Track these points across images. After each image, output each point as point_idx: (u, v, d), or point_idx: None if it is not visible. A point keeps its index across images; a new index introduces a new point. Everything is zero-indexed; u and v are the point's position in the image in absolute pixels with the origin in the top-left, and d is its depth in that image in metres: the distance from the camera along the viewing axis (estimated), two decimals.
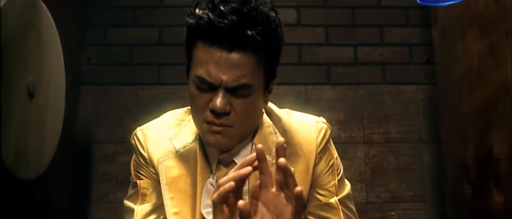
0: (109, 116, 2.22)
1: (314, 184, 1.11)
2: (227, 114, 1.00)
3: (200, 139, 1.09)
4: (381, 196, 2.18)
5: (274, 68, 1.08)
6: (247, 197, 1.00)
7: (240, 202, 0.86)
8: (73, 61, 2.00)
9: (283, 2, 2.30)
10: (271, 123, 1.13)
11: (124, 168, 2.12)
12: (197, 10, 0.99)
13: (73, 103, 2.00)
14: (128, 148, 1.73)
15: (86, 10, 2.25)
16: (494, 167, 1.55)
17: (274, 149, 1.07)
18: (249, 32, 0.96)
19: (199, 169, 1.08)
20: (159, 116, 1.21)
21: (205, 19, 0.96)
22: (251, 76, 0.99)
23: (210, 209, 0.96)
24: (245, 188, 1.00)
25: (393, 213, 2.16)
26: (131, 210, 1.11)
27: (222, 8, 0.96)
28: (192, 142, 1.11)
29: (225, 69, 0.97)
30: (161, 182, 1.09)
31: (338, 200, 1.11)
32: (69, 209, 2.00)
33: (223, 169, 1.08)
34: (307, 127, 1.12)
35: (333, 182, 1.11)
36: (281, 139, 0.91)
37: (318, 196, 1.10)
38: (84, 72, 2.23)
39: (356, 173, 2.19)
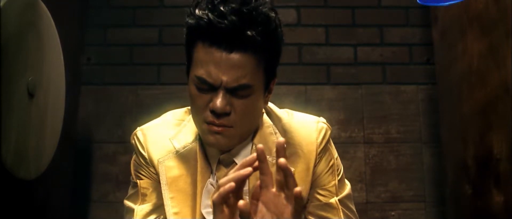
0: (109, 116, 2.22)
1: (314, 184, 1.11)
2: (227, 114, 1.00)
3: (200, 139, 1.09)
4: (381, 196, 2.18)
5: (274, 69, 1.08)
6: (247, 197, 1.00)
7: (241, 202, 0.86)
8: (73, 61, 2.00)
9: (283, 2, 2.30)
10: (271, 123, 1.13)
11: (124, 168, 2.12)
12: (197, 11, 0.99)
13: (73, 103, 2.00)
14: (128, 148, 1.73)
15: (86, 10, 2.25)
16: (494, 167, 1.55)
17: (274, 149, 1.06)
18: (249, 32, 0.96)
19: (199, 169, 1.08)
20: (159, 116, 1.21)
21: (205, 20, 0.96)
22: (251, 76, 0.99)
23: (210, 209, 0.96)
24: (245, 188, 1.00)
25: (393, 213, 2.16)
26: (131, 210, 1.11)
27: (222, 8, 0.96)
28: (192, 142, 1.11)
29: (225, 70, 0.97)
30: (161, 182, 1.09)
31: (338, 200, 1.11)
32: (69, 209, 2.00)
33: (223, 169, 1.08)
34: (307, 127, 1.12)
35: (333, 182, 1.11)
36: (281, 139, 0.91)
37: (318, 196, 1.10)
38: (84, 72, 2.23)
39: (356, 173, 2.19)
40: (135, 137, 1.15)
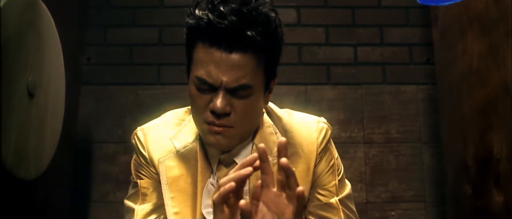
0: (109, 116, 2.22)
1: (314, 184, 1.11)
2: (227, 114, 1.00)
3: (201, 139, 1.09)
4: (381, 196, 2.18)
5: (274, 68, 1.08)
6: (247, 197, 1.00)
7: (242, 202, 0.86)
8: (73, 61, 2.00)
9: (283, 2, 2.30)
10: (272, 123, 1.13)
11: (124, 168, 2.12)
12: (197, 11, 0.98)
13: (73, 103, 2.00)
14: (128, 148, 1.73)
15: (86, 10, 2.25)
16: (494, 167, 1.55)
17: (274, 149, 1.07)
18: (249, 32, 0.96)
19: (199, 169, 1.08)
20: (159, 115, 1.21)
21: (205, 20, 0.96)
22: (251, 76, 0.99)
23: (211, 209, 0.96)
24: (246, 188, 1.00)
25: (393, 213, 2.16)
26: (132, 210, 1.11)
27: (222, 8, 0.96)
28: (193, 141, 1.11)
29: (225, 70, 0.97)
30: (161, 181, 1.09)
31: (339, 200, 1.11)
32: (69, 209, 2.00)
33: (223, 169, 1.08)
34: (308, 127, 1.12)
35: (333, 182, 1.12)
36: (283, 138, 0.91)
37: (319, 196, 1.11)
38: (84, 72, 2.23)
39: (356, 173, 2.19)
40: (135, 137, 1.15)
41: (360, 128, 2.23)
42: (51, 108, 1.56)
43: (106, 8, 2.30)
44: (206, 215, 1.05)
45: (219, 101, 0.98)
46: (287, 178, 0.88)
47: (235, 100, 1.00)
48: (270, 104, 1.17)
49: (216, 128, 1.01)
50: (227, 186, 0.87)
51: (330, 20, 2.32)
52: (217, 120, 1.00)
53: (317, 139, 1.11)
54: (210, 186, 1.08)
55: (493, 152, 1.56)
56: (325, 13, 2.32)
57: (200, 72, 0.99)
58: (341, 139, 2.20)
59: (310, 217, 1.10)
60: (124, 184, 2.08)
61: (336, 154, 1.15)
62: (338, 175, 1.13)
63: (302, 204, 0.88)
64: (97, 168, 2.18)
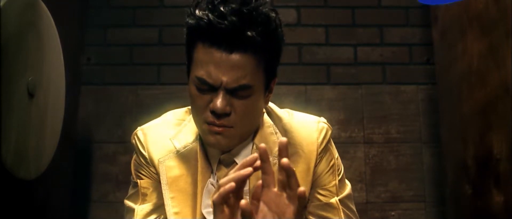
0: (109, 116, 2.22)
1: (314, 184, 1.11)
2: (227, 114, 1.00)
3: (201, 139, 1.09)
4: (381, 196, 2.18)
5: (275, 68, 1.08)
6: (247, 197, 1.00)
7: (242, 202, 0.86)
8: (73, 61, 2.00)
9: (283, 2, 2.30)
10: (272, 123, 1.13)
11: (124, 168, 2.12)
12: (197, 11, 0.98)
13: (73, 104, 2.00)
14: (128, 148, 1.73)
15: (86, 10, 2.25)
16: (494, 167, 1.55)
17: (275, 149, 1.07)
18: (249, 33, 0.96)
19: (199, 169, 1.08)
20: (159, 115, 1.21)
21: (205, 20, 0.96)
22: (251, 77, 0.99)
23: (211, 209, 0.96)
24: (246, 188, 1.00)
25: (393, 213, 2.16)
26: (132, 210, 1.11)
27: (222, 9, 0.96)
28: (193, 141, 1.11)
29: (225, 70, 0.97)
30: (161, 181, 1.09)
31: (339, 200, 1.11)
32: (69, 209, 2.00)
33: (223, 169, 1.08)
34: (308, 127, 1.12)
35: (333, 182, 1.12)
36: (284, 138, 0.91)
37: (319, 196, 1.11)
38: (84, 72, 2.23)
39: (356, 173, 2.19)
40: (135, 137, 1.15)
41: (360, 128, 2.23)
42: (51, 108, 1.56)
43: (106, 8, 2.30)
44: (206, 215, 1.05)
45: (219, 102, 0.98)
46: (288, 178, 0.88)
47: (235, 101, 1.00)
48: (270, 104, 1.17)
49: (216, 128, 1.01)
50: (227, 186, 0.87)
51: (330, 20, 2.32)
52: (217, 120, 1.00)
53: (317, 139, 1.11)
54: (210, 186, 1.08)
55: (493, 152, 1.56)
56: (325, 13, 2.32)
57: (200, 72, 0.99)
58: (341, 139, 2.20)
59: (310, 217, 1.10)
60: (124, 184, 2.08)
61: (336, 154, 1.15)
62: (338, 175, 1.13)
63: (303, 204, 0.88)
64: (97, 168, 2.18)
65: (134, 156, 1.16)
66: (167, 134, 1.13)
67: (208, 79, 0.98)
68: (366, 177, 2.19)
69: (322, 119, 1.15)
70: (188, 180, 1.08)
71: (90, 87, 2.23)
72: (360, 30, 2.31)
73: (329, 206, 1.10)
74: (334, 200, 1.10)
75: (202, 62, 0.99)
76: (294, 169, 0.89)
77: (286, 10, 2.30)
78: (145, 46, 2.28)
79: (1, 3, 1.27)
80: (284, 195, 0.91)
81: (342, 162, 1.17)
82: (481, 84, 1.66)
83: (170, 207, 1.07)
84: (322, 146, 1.11)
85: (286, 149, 0.89)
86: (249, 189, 1.05)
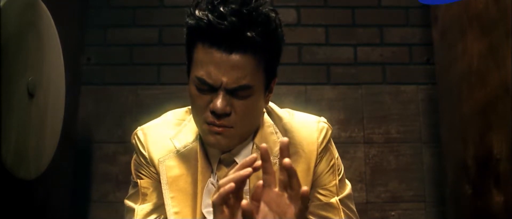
0: (109, 116, 2.22)
1: (315, 184, 1.11)
2: (227, 115, 1.00)
3: (201, 139, 1.09)
4: (381, 196, 2.18)
5: (275, 69, 1.08)
6: (248, 197, 1.00)
7: (243, 202, 0.86)
8: (73, 61, 2.00)
9: (283, 2, 2.30)
10: (272, 122, 1.13)
11: (124, 168, 2.12)
12: (196, 11, 0.98)
13: (73, 104, 2.00)
14: (128, 148, 1.73)
15: (86, 10, 2.25)
16: (494, 167, 1.55)
17: (275, 149, 1.07)
18: (249, 33, 0.96)
19: (200, 168, 1.08)
20: (159, 115, 1.21)
21: (205, 21, 0.96)
22: (251, 77, 0.99)
23: (211, 209, 0.96)
24: (246, 188, 1.00)
25: (393, 213, 2.16)
26: (132, 210, 1.11)
27: (221, 9, 0.96)
28: (193, 141, 1.11)
29: (225, 71, 0.97)
30: (161, 181, 1.09)
31: (339, 200, 1.11)
32: (69, 209, 2.00)
33: (224, 169, 1.08)
34: (308, 126, 1.12)
35: (334, 182, 1.12)
36: (285, 138, 0.91)
37: (319, 196, 1.11)
38: (84, 72, 2.23)
39: (356, 173, 2.19)
40: (135, 137, 1.15)
41: (360, 128, 2.23)
42: (51, 108, 1.56)
43: (106, 8, 2.30)
44: (206, 215, 1.06)
45: (219, 102, 0.98)
46: (290, 178, 0.88)
47: (235, 101, 1.00)
48: (271, 104, 1.17)
49: (216, 128, 1.01)
50: (227, 186, 0.87)
51: (330, 20, 2.32)
52: (217, 120, 1.00)
53: (318, 139, 1.11)
54: (210, 185, 1.08)
55: (493, 152, 1.56)
56: (325, 13, 2.32)
57: (200, 72, 0.99)
58: (341, 139, 2.20)
59: (311, 217, 1.10)
60: (124, 184, 2.08)
61: (336, 154, 1.15)
62: (339, 175, 1.13)
63: (305, 204, 0.87)
64: (97, 168, 2.18)
65: (134, 156, 1.16)
66: (167, 134, 1.13)
67: (208, 79, 0.98)
68: (366, 177, 2.19)
69: (323, 119, 1.15)
70: (188, 179, 1.08)
71: (90, 87, 2.23)
72: (360, 30, 2.31)
73: (329, 206, 1.10)
74: (334, 200, 1.10)
75: (202, 63, 0.99)
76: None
77: (286, 10, 2.30)
78: (145, 46, 2.28)
79: (1, 3, 1.27)
80: (285, 195, 0.90)
81: (342, 162, 1.17)
82: (481, 84, 1.66)
83: (170, 207, 1.07)
84: (322, 146, 1.11)
85: (287, 149, 0.89)
86: (249, 189, 1.05)
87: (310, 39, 2.30)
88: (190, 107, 1.13)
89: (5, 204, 1.40)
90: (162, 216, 1.09)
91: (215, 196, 0.89)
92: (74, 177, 2.07)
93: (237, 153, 1.09)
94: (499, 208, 1.53)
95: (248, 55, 0.98)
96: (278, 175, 0.91)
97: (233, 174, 0.90)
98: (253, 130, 1.10)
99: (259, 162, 0.89)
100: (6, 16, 1.28)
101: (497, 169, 1.54)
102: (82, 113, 2.18)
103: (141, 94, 2.24)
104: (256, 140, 1.10)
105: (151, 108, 1.95)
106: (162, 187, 1.08)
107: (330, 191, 1.11)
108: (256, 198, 0.92)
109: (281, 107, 1.19)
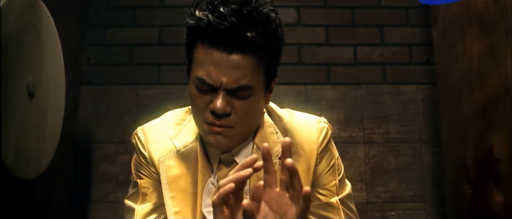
0: (109, 116, 2.22)
1: (315, 183, 1.11)
2: (227, 115, 1.00)
3: (201, 139, 1.09)
4: (381, 196, 2.18)
5: (275, 69, 1.08)
6: (248, 197, 1.00)
7: (244, 202, 0.86)
8: (73, 61, 2.00)
9: (283, 2, 2.30)
10: (272, 122, 1.13)
11: (124, 168, 2.12)
12: (196, 12, 0.98)
13: (73, 104, 2.00)
14: (128, 148, 1.73)
15: (86, 10, 2.25)
16: (494, 167, 1.55)
17: (275, 149, 1.07)
18: (249, 34, 0.96)
19: (200, 168, 1.08)
20: (159, 115, 1.21)
21: (205, 21, 0.96)
22: (251, 77, 0.99)
23: (211, 209, 0.96)
24: (246, 188, 1.00)
25: (393, 213, 2.16)
26: (132, 210, 1.11)
27: (221, 9, 0.96)
28: (193, 141, 1.11)
29: (225, 71, 0.97)
30: (161, 181, 1.09)
31: (339, 199, 1.11)
32: (69, 209, 2.00)
33: (224, 169, 1.08)
34: (309, 126, 1.12)
35: (334, 182, 1.12)
36: (287, 139, 0.91)
37: (319, 196, 1.11)
38: (84, 72, 2.23)
39: (356, 173, 2.19)
40: (136, 136, 1.15)
41: (360, 128, 2.23)
42: (51, 108, 1.56)
43: (106, 8, 2.29)
44: (206, 215, 1.06)
45: (219, 102, 0.98)
46: (291, 178, 0.88)
47: (235, 101, 1.00)
48: (271, 104, 1.17)
49: (216, 128, 1.01)
50: (227, 187, 0.87)
51: (330, 20, 2.32)
52: (217, 120, 1.00)
53: (318, 139, 1.11)
54: (210, 185, 1.08)
55: (493, 152, 1.56)
56: (325, 13, 2.32)
57: (200, 72, 0.99)
58: (341, 139, 2.20)
59: (311, 217, 1.10)
60: (124, 184, 2.08)
61: (336, 154, 1.15)
62: (339, 174, 1.13)
63: (307, 204, 0.87)
64: (97, 168, 2.18)
65: (134, 156, 1.16)
66: (167, 134, 1.13)
67: (208, 79, 0.99)
68: (366, 177, 2.19)
69: (323, 119, 1.15)
70: (188, 179, 1.08)
71: (90, 87, 2.23)
72: (360, 30, 2.31)
73: (329, 206, 1.10)
74: (334, 199, 1.10)
75: (202, 63, 0.99)
76: None
77: (286, 10, 2.30)
78: (145, 46, 2.28)
79: (1, 3, 1.27)
80: (286, 195, 0.90)
81: (342, 162, 1.17)
82: (481, 84, 1.66)
83: (170, 207, 1.07)
84: (323, 146, 1.11)
85: (289, 149, 0.89)
86: (249, 189, 1.05)
87: (310, 39, 2.30)
88: (190, 107, 1.13)
89: (5, 204, 1.40)
90: (162, 216, 1.09)
91: (215, 196, 0.89)
92: (74, 177, 2.07)
93: (237, 153, 1.09)
94: (499, 208, 1.53)
95: (248, 55, 0.98)
96: (279, 174, 0.91)
97: (233, 174, 0.89)
98: (253, 130, 1.10)
99: (259, 163, 0.89)
100: (6, 16, 1.28)
101: (497, 169, 1.54)
102: (82, 113, 2.18)
103: (141, 94, 2.24)
104: (256, 140, 1.10)
105: (151, 109, 1.96)
106: (162, 187, 1.08)
107: (330, 191, 1.11)
108: (256, 198, 0.92)
109: (281, 107, 1.19)
